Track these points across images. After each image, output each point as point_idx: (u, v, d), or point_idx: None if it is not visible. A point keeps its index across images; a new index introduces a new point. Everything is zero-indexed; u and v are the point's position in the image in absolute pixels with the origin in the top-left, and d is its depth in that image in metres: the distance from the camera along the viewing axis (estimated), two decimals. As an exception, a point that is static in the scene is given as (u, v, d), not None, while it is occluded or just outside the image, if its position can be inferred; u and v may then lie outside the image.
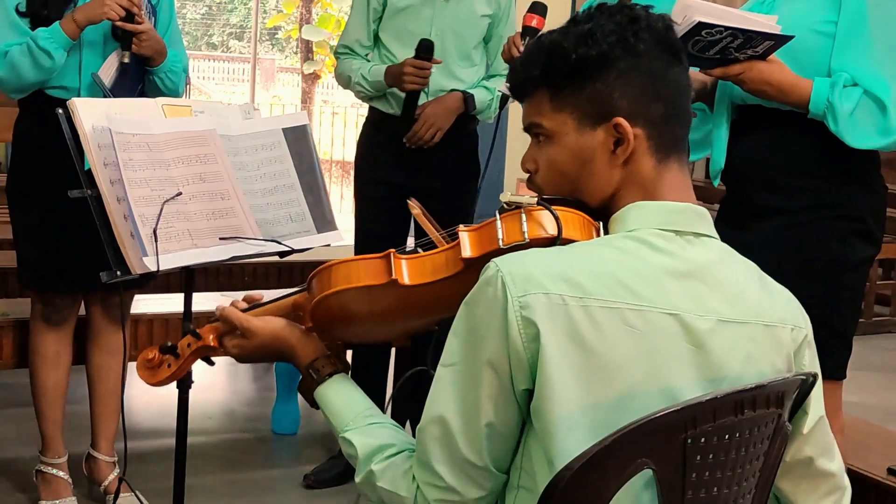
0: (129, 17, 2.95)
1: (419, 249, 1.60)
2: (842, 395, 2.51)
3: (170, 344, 1.83)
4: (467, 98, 3.55)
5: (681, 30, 2.16)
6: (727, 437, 1.33)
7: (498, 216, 1.50)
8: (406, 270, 1.54)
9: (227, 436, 4.21)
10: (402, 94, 3.49)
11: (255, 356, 1.72)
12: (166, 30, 3.17)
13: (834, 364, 2.39)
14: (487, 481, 1.42)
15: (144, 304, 3.65)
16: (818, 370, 1.53)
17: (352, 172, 3.88)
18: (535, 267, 1.37)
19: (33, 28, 2.98)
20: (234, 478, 3.73)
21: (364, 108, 3.85)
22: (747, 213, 2.44)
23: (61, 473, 3.27)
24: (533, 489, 1.38)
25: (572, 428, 1.34)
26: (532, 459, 1.39)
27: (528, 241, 1.47)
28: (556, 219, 1.46)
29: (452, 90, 3.55)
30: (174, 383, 1.98)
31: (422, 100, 3.50)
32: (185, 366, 1.82)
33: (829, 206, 2.36)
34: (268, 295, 1.79)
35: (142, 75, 3.12)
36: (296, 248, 2.50)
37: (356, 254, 3.59)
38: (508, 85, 1.60)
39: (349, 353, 3.83)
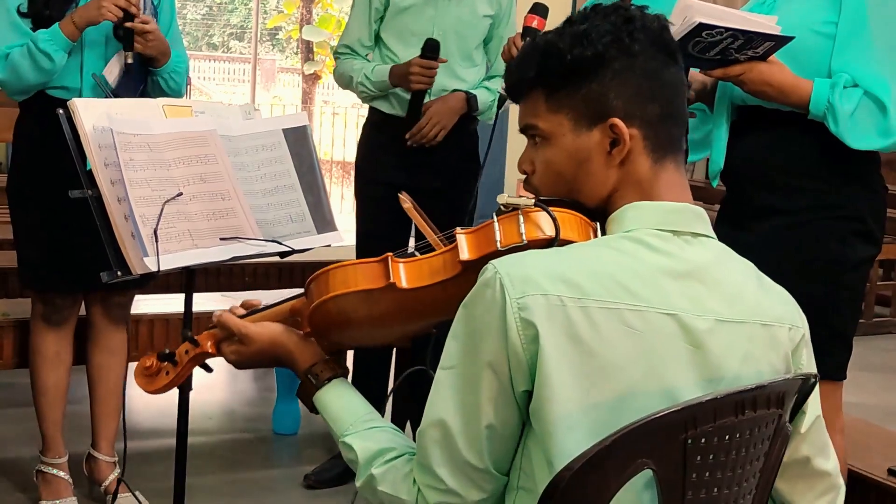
0: (128, 16, 2.94)
1: (416, 253, 1.60)
2: (842, 395, 2.51)
3: (168, 351, 1.82)
4: (470, 99, 3.56)
5: (681, 31, 2.17)
6: (727, 437, 1.33)
7: (495, 218, 1.50)
8: (404, 274, 1.54)
9: (227, 436, 4.21)
10: (405, 95, 3.49)
11: (254, 362, 1.71)
12: (167, 30, 3.17)
13: (834, 364, 2.40)
14: (488, 483, 1.42)
15: (145, 304, 3.66)
16: (815, 370, 1.53)
17: (352, 173, 3.88)
18: (533, 268, 1.37)
19: (35, 29, 2.98)
20: (235, 478, 3.74)
21: (364, 109, 3.85)
22: (747, 213, 2.44)
23: (62, 473, 3.27)
24: (533, 490, 1.38)
25: (572, 428, 1.34)
26: (531, 460, 1.39)
27: (525, 242, 1.47)
28: (554, 220, 1.46)
29: (455, 90, 3.55)
30: (174, 384, 1.97)
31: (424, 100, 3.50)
32: (183, 373, 1.81)
33: (830, 206, 2.36)
34: (268, 296, 1.79)
35: (144, 76, 3.12)
36: (296, 248, 2.50)
37: (357, 254, 3.59)
38: (502, 85, 1.60)
39: (350, 355, 3.84)
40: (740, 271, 1.49)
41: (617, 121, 1.44)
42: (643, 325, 1.37)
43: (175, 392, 2.44)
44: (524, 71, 1.50)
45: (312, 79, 14.96)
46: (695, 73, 2.44)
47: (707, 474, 1.33)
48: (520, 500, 1.41)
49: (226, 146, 2.45)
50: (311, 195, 2.57)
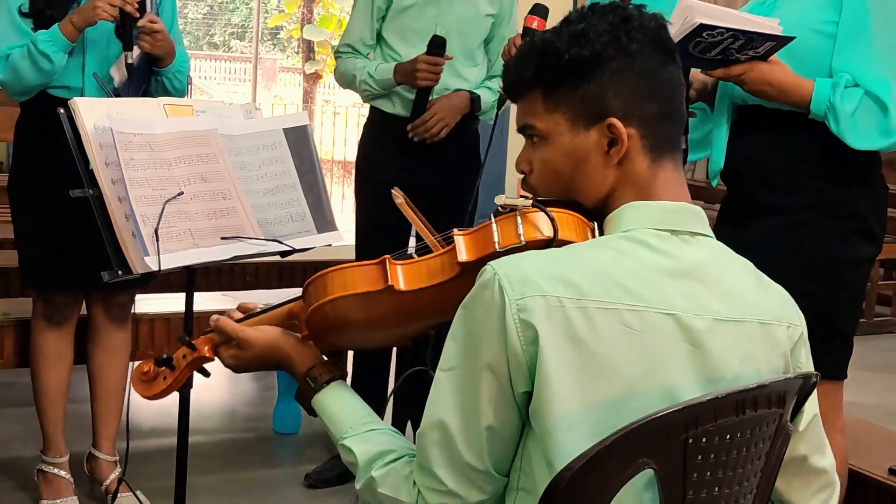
0: (125, 16, 2.93)
1: (414, 255, 1.60)
2: (842, 395, 2.51)
3: (165, 356, 1.81)
4: (474, 99, 3.56)
5: (682, 31, 2.17)
6: (728, 436, 1.33)
7: (493, 219, 1.50)
8: (402, 276, 1.54)
9: (228, 435, 4.21)
10: (407, 94, 3.49)
11: (252, 366, 1.71)
12: (169, 30, 3.17)
13: (834, 364, 2.40)
14: (488, 484, 1.42)
15: (145, 303, 3.66)
16: (812, 368, 1.53)
17: (353, 172, 3.88)
18: (531, 269, 1.37)
19: (37, 28, 2.98)
20: (236, 477, 3.74)
21: (365, 109, 3.84)
22: (748, 212, 2.44)
23: (63, 473, 3.27)
24: (532, 490, 1.38)
25: (571, 429, 1.34)
26: (531, 461, 1.39)
27: (524, 243, 1.46)
28: (552, 221, 1.46)
29: (457, 89, 3.55)
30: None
31: (426, 100, 3.50)
32: (180, 378, 1.80)
33: (830, 205, 2.36)
34: (269, 295, 1.79)
35: (148, 75, 3.12)
36: (297, 247, 2.50)
37: (356, 254, 3.59)
38: (501, 85, 1.60)
39: (349, 356, 3.84)
40: (739, 270, 1.49)
41: (615, 121, 1.44)
42: (642, 325, 1.37)
43: (175, 392, 2.45)
44: (522, 70, 1.50)
45: (313, 78, 14.97)
46: (696, 73, 2.44)
47: (708, 474, 1.33)
48: (520, 500, 1.41)
49: (227, 145, 2.45)
50: (311, 195, 2.58)
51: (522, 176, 1.56)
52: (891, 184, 2.77)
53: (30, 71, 2.96)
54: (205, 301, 3.42)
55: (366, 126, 3.78)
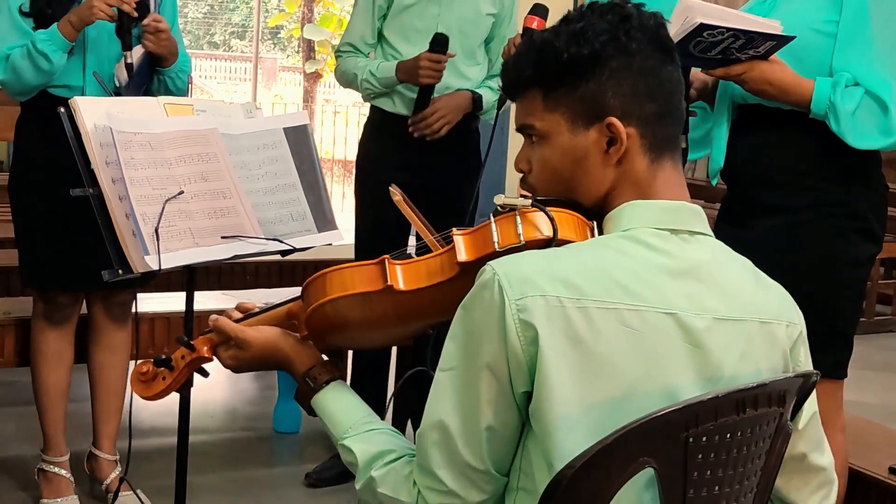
0: (123, 15, 2.93)
1: (413, 254, 1.59)
2: (843, 394, 2.51)
3: (164, 357, 1.80)
4: (476, 98, 3.56)
5: (683, 31, 2.17)
6: (729, 435, 1.33)
7: (492, 219, 1.49)
8: (401, 276, 1.53)
9: (228, 434, 4.21)
10: (408, 93, 3.49)
11: (251, 367, 1.71)
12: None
13: (835, 363, 2.40)
14: (488, 484, 1.42)
15: (146, 303, 3.65)
16: (811, 367, 1.53)
17: (353, 171, 3.88)
18: (531, 269, 1.36)
19: (38, 28, 2.98)
20: (236, 476, 3.74)
21: (366, 108, 3.84)
22: (749, 211, 2.44)
23: (63, 472, 3.27)
24: (532, 490, 1.38)
25: (571, 429, 1.34)
26: (531, 461, 1.39)
27: (523, 243, 1.46)
28: (552, 220, 1.45)
29: (458, 89, 3.55)
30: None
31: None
32: (179, 378, 1.79)
33: (831, 204, 2.36)
34: (270, 294, 1.79)
35: (151, 74, 3.11)
36: (297, 247, 2.50)
37: (355, 252, 3.59)
38: (500, 84, 1.59)
39: (349, 355, 3.84)
40: (738, 269, 1.49)
41: (614, 120, 1.43)
42: (642, 324, 1.36)
43: (175, 391, 2.45)
44: (520, 69, 1.49)
45: (314, 77, 14.97)
46: (696, 72, 2.44)
47: (708, 472, 1.33)
48: (520, 500, 1.41)
49: (227, 145, 2.45)
50: (311, 194, 2.58)
51: (521, 175, 1.56)
52: (891, 183, 2.77)
53: (29, 71, 2.96)
54: (205, 300, 3.42)
55: (366, 125, 3.78)
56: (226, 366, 1.72)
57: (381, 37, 3.61)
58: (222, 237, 2.39)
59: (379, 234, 3.45)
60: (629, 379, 1.36)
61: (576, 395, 1.34)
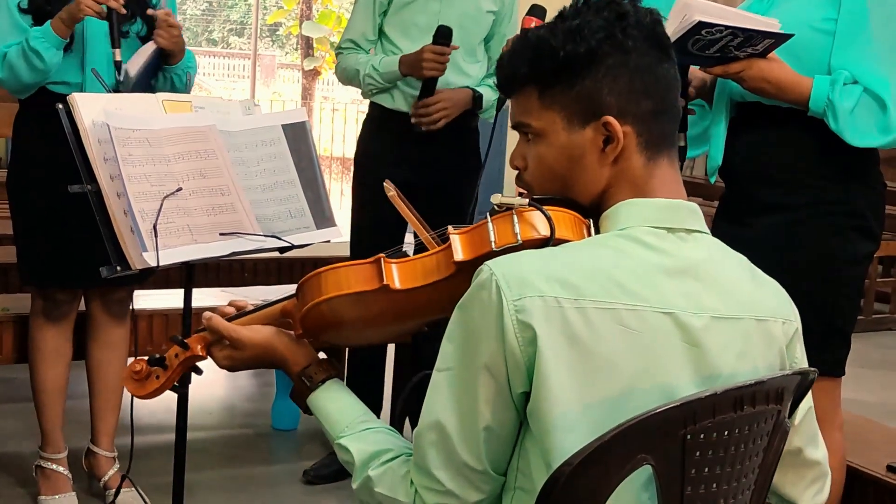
0: (111, 12, 2.90)
1: (408, 252, 1.59)
2: (841, 392, 2.51)
3: (157, 355, 1.79)
4: (477, 97, 3.56)
5: (681, 29, 2.17)
6: (726, 433, 1.33)
7: (489, 218, 1.48)
8: (397, 275, 1.52)
9: (226, 431, 4.21)
10: (409, 89, 3.48)
11: (246, 366, 1.70)
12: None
13: (833, 360, 2.40)
14: (486, 484, 1.41)
15: (144, 299, 3.66)
16: (806, 364, 1.53)
17: (352, 169, 3.87)
18: (529, 269, 1.36)
19: (36, 24, 2.97)
20: (234, 473, 3.74)
21: (364, 105, 3.84)
22: (747, 209, 2.44)
23: (61, 469, 3.27)
24: (530, 490, 1.37)
25: (570, 429, 1.33)
26: (529, 461, 1.39)
27: (520, 242, 1.45)
28: (549, 220, 1.45)
29: (459, 86, 3.55)
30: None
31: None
32: (173, 377, 1.79)
33: (829, 202, 2.36)
34: (268, 291, 1.78)
35: (156, 71, 3.11)
36: (295, 243, 2.50)
37: (351, 248, 3.58)
38: (495, 81, 1.58)
39: (346, 353, 3.84)
40: (734, 267, 1.49)
41: (610, 119, 1.43)
42: (640, 324, 1.36)
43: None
44: (516, 67, 1.48)
45: (312, 75, 14.97)
46: (695, 70, 2.44)
47: (706, 470, 1.33)
48: (517, 499, 1.41)
49: (225, 141, 2.45)
50: (310, 191, 2.57)
51: (517, 172, 1.56)
52: (889, 181, 2.77)
53: (24, 69, 2.95)
54: (203, 297, 3.42)
55: (365, 122, 3.77)
56: (220, 365, 1.71)
57: (381, 33, 3.61)
58: (220, 234, 2.39)
59: (377, 231, 3.44)
60: (627, 378, 1.35)
61: (574, 394, 1.34)
